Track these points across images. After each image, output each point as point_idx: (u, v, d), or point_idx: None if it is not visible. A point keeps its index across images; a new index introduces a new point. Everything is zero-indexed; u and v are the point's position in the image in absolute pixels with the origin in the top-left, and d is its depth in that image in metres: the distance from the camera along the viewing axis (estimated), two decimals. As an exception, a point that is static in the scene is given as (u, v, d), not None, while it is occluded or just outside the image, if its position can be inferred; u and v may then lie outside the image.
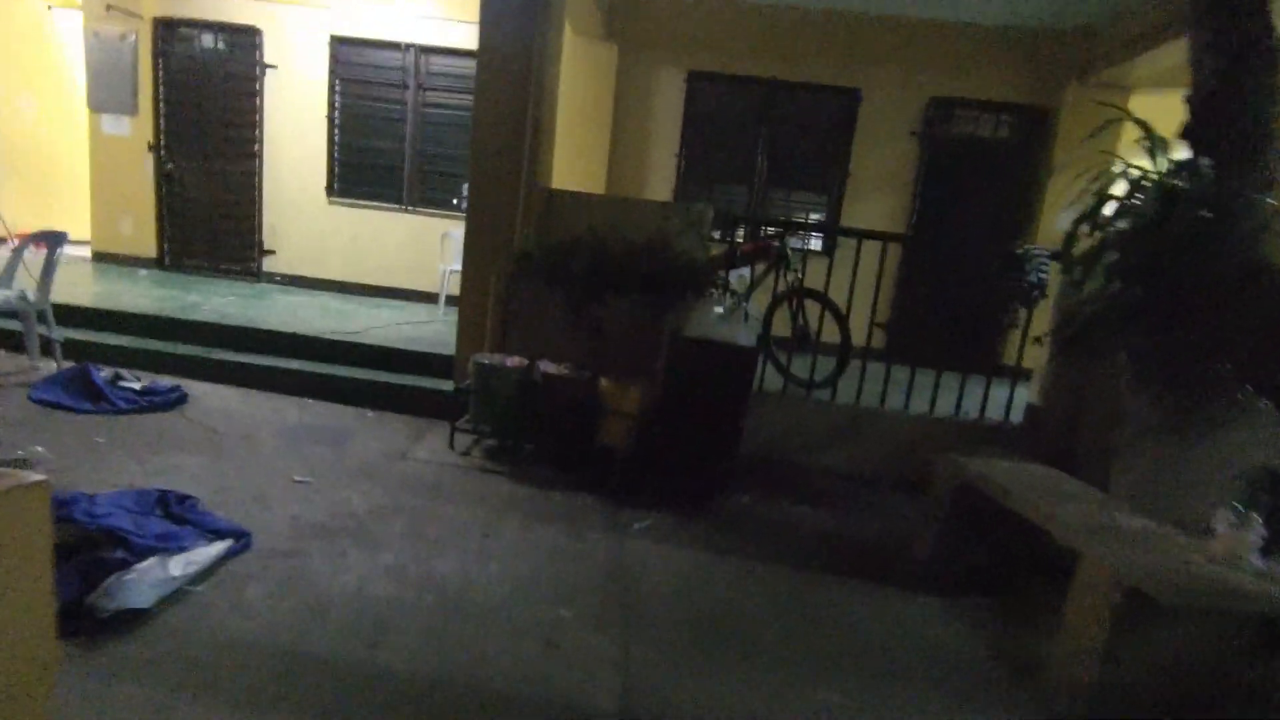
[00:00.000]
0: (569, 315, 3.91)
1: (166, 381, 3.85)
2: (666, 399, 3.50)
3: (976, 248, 6.22)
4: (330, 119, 6.64)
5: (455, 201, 6.67)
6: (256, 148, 6.74)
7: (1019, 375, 5.08)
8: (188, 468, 2.87)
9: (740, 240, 4.58)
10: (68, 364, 3.83)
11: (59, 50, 7.53)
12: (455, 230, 6.21)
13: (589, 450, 3.55)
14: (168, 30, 6.65)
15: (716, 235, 4.68)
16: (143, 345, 4.27)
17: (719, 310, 3.64)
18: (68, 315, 4.40)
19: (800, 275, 4.58)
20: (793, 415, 4.16)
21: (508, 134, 4.08)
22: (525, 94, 4.06)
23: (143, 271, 6.71)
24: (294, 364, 4.24)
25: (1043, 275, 4.17)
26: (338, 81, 6.61)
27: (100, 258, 6.95)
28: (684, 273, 3.87)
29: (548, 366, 3.63)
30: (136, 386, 3.63)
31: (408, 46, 6.46)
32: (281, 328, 4.55)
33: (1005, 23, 6.12)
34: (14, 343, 3.99)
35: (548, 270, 3.90)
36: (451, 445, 3.58)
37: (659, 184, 6.80)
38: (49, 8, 7.35)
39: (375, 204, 6.75)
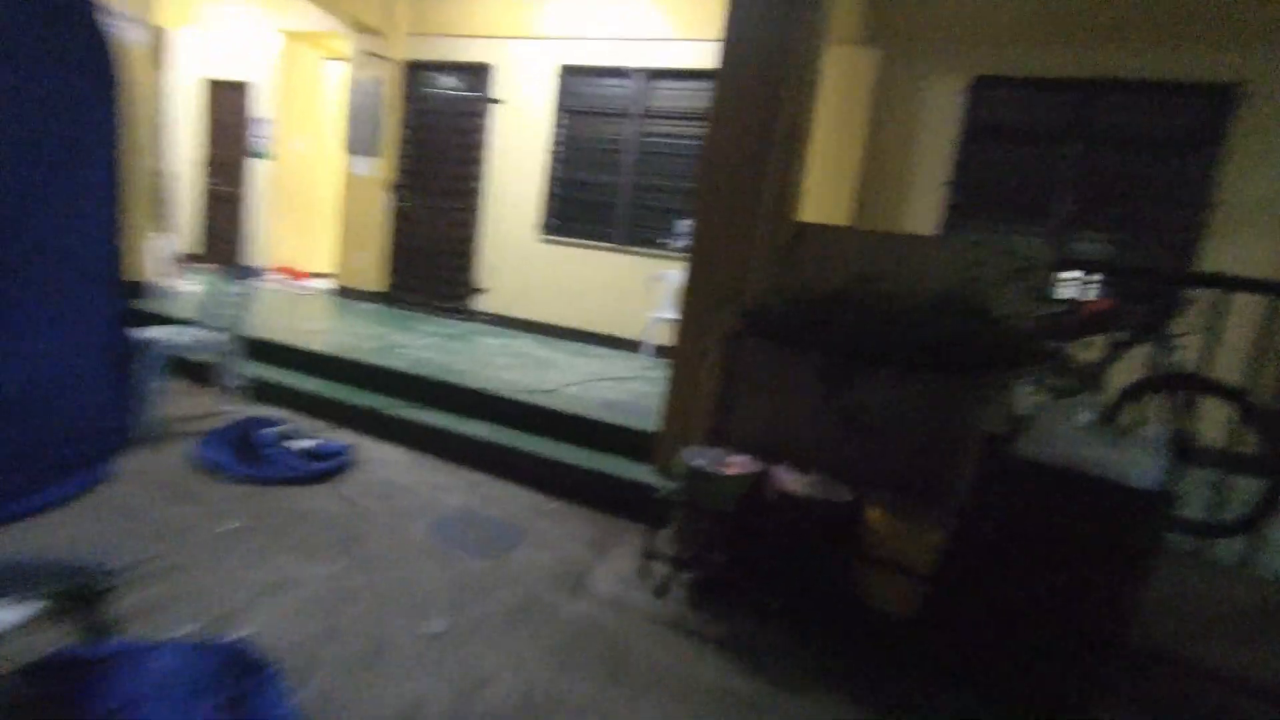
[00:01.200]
0: (819, 397, 2.75)
1: (339, 441, 3.37)
2: (980, 549, 2.17)
3: None
4: (551, 152, 6.26)
5: (668, 241, 5.87)
6: (478, 184, 6.59)
7: None
8: (306, 583, 2.18)
9: (1084, 299, 3.07)
10: (254, 411, 3.53)
11: (326, 97, 8.16)
12: (667, 272, 5.40)
13: (846, 613, 2.33)
14: (413, 73, 6.80)
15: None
16: (331, 393, 3.91)
17: (1082, 415, 2.23)
18: (271, 353, 4.25)
19: (1179, 355, 2.96)
20: (1184, 582, 2.55)
21: (748, 154, 3.08)
22: (774, 107, 3.04)
23: (368, 305, 6.83)
24: (473, 428, 3.58)
25: None
26: (562, 114, 6.22)
27: (343, 292, 7.26)
28: (1003, 345, 2.52)
29: (785, 476, 2.49)
30: (307, 445, 3.17)
31: (635, 71, 5.87)
32: (469, 381, 3.96)
33: None
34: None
35: (792, 330, 2.79)
36: (644, 574, 2.57)
37: (918, 220, 5.40)
38: (315, 53, 8.02)
39: (585, 242, 6.19)
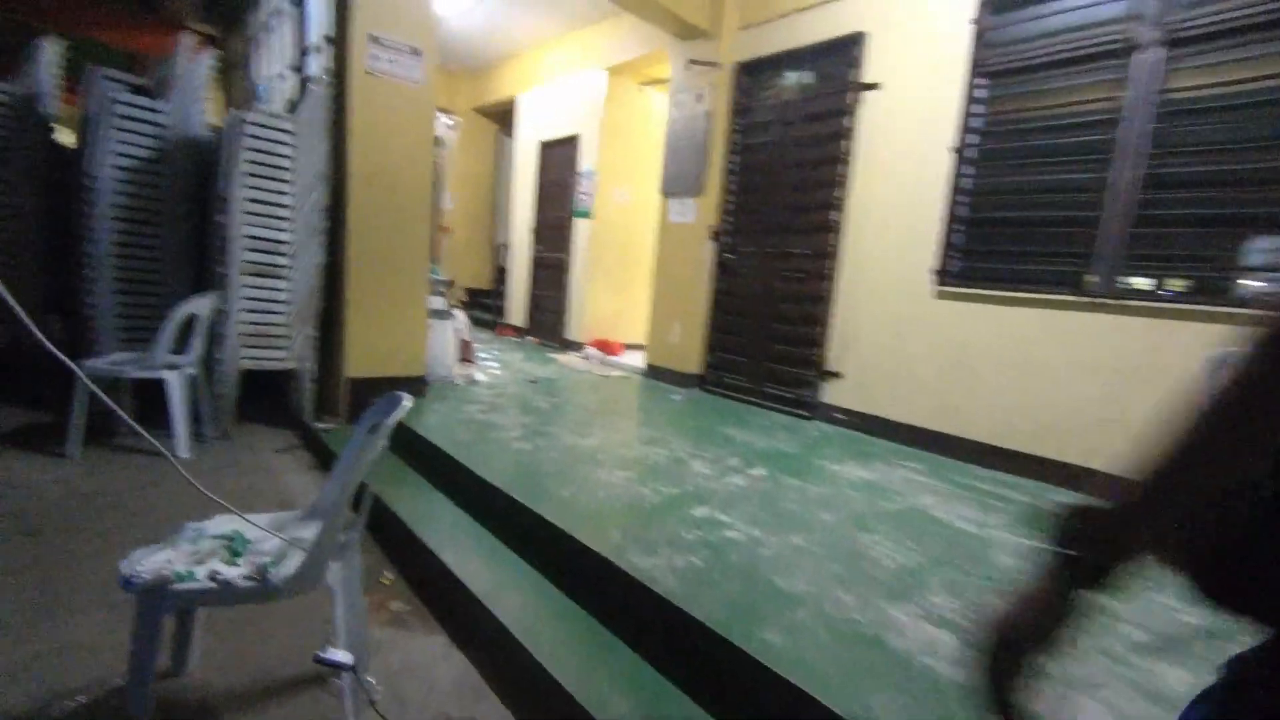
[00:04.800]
0: None
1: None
2: None
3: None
4: (957, 149, 3.72)
5: (1235, 282, 2.79)
6: (833, 218, 4.36)
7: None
8: None
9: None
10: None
11: (649, 136, 6.77)
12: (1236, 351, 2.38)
13: None
14: (746, 79, 5.01)
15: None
16: (545, 625, 2.03)
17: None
18: (480, 508, 2.62)
19: None
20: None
21: None
22: None
23: (677, 395, 5.09)
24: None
25: None
26: (979, 81, 3.66)
27: (651, 372, 5.74)
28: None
29: None
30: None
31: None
32: (813, 645, 1.68)
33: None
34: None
35: None
36: None
37: None
38: (640, 86, 6.80)
39: (1024, 292, 3.44)
